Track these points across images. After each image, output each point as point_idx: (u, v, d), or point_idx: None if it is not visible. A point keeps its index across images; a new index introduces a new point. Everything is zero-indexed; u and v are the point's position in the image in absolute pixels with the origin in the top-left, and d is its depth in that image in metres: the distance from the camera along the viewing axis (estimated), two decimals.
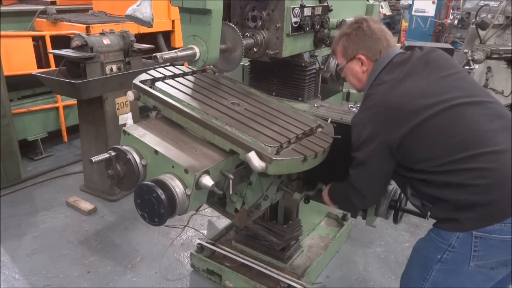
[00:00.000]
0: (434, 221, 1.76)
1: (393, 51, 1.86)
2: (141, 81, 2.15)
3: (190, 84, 2.28)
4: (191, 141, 1.90)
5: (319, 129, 2.16)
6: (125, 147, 1.82)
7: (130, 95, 2.07)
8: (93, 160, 1.80)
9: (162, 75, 2.28)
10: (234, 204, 2.08)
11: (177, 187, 1.64)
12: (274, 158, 1.74)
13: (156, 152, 1.75)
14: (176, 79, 2.31)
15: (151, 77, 2.22)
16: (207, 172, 1.68)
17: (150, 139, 1.83)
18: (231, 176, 1.78)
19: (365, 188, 1.85)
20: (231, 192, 1.82)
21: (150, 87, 2.13)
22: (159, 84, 2.18)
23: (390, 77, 1.77)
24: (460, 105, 1.64)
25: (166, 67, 2.40)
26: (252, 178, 2.00)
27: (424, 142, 1.64)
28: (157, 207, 1.62)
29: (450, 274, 1.67)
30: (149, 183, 1.64)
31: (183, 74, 2.39)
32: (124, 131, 1.85)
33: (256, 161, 1.72)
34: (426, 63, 1.78)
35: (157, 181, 1.64)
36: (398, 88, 1.71)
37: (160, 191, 1.60)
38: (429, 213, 1.77)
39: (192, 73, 2.46)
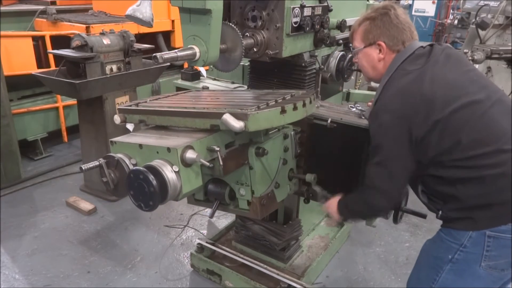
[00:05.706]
0: (434, 221, 1.75)
1: (416, 43, 1.82)
2: (126, 106, 2.21)
3: (173, 99, 2.34)
4: (175, 133, 1.94)
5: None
6: (116, 154, 1.85)
7: (117, 118, 2.12)
8: (83, 167, 1.83)
9: (145, 101, 2.34)
10: (244, 197, 2.09)
11: (163, 165, 1.65)
12: (250, 113, 1.72)
13: (140, 146, 1.78)
14: (160, 99, 2.36)
15: (135, 103, 2.28)
16: (190, 147, 1.70)
17: (135, 139, 1.87)
18: (217, 148, 1.77)
19: (391, 183, 1.70)
20: (220, 163, 1.79)
21: None
22: (142, 104, 2.24)
23: (414, 67, 1.71)
24: (482, 101, 1.62)
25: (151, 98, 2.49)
26: (251, 161, 2.00)
27: (447, 134, 1.60)
28: (147, 189, 1.62)
29: (461, 275, 1.65)
30: (135, 168, 1.66)
31: (166, 96, 2.45)
32: (111, 142, 1.90)
33: (232, 121, 1.70)
34: (447, 57, 1.74)
35: (144, 166, 1.67)
36: (427, 77, 1.65)
37: (146, 171, 1.61)
38: (440, 212, 1.70)
39: (175, 95, 2.51)
